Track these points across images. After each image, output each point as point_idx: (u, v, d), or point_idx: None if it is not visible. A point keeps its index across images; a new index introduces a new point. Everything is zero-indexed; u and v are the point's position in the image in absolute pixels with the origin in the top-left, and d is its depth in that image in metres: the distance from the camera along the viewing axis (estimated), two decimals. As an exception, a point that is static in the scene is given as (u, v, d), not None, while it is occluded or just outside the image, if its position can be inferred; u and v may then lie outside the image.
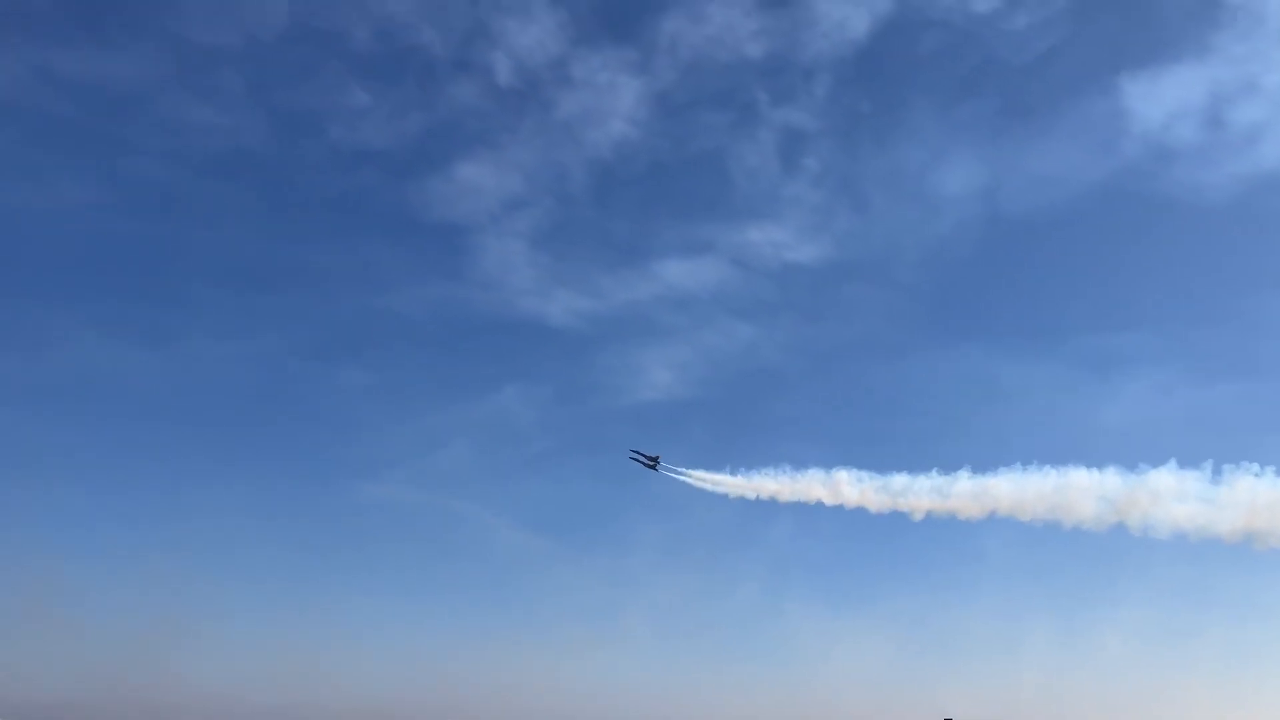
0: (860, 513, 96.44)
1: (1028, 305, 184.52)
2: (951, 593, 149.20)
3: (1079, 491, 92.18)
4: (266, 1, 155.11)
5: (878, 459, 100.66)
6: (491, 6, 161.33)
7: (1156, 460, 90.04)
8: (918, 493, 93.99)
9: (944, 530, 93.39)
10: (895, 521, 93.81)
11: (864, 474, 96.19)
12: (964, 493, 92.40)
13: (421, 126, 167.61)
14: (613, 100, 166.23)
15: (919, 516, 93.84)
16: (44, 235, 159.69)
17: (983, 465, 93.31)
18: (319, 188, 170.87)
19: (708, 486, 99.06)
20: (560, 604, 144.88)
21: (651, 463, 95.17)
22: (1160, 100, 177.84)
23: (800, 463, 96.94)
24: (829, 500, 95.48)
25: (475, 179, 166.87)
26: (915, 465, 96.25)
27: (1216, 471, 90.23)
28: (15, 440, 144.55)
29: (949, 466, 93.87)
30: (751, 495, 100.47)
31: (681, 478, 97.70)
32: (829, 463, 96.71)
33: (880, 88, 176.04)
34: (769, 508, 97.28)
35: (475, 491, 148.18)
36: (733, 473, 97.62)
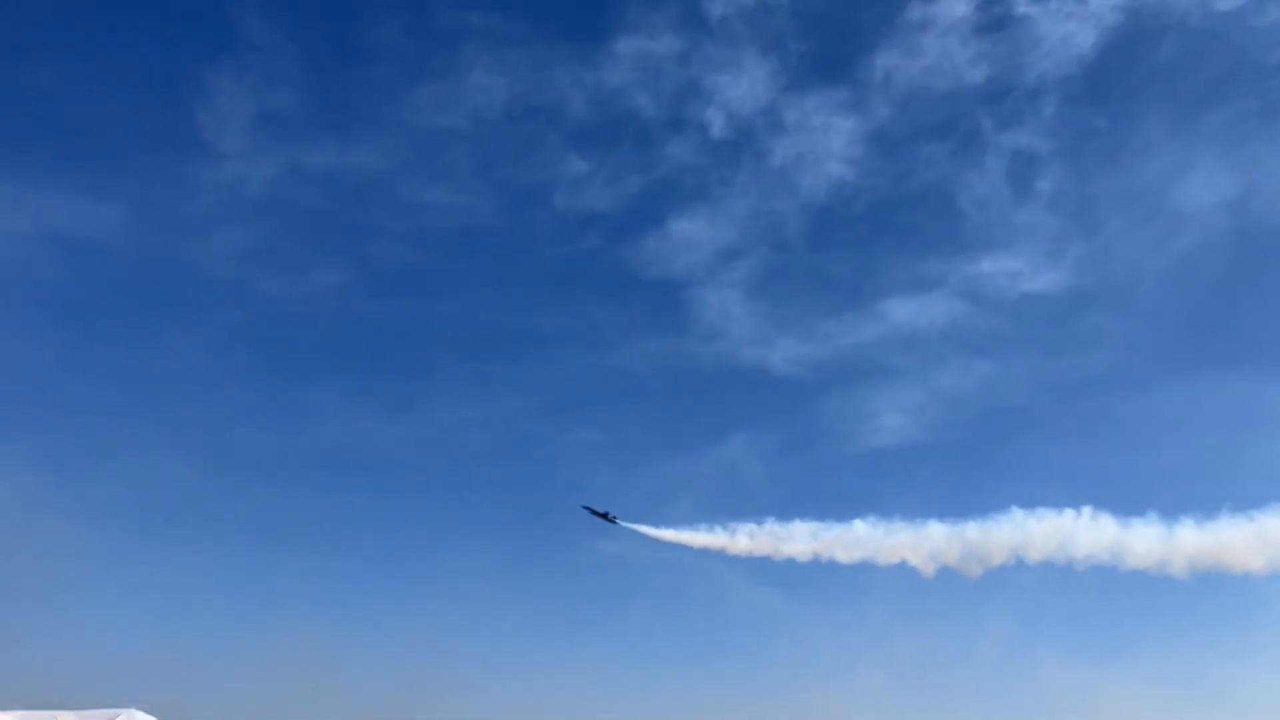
0: (1117, 558, 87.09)
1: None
2: (1228, 645, 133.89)
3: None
4: (488, 83, 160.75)
5: (1129, 500, 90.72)
6: (703, 64, 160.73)
7: None
8: (1180, 536, 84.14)
9: (1216, 574, 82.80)
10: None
11: (1109, 517, 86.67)
12: (1234, 536, 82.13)
13: (639, 188, 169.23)
14: (826, 142, 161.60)
15: (1181, 569, 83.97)
16: (300, 318, 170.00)
17: (1252, 501, 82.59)
18: (545, 255, 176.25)
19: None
20: (795, 657, 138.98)
21: (604, 516, 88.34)
22: None
23: (1042, 503, 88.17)
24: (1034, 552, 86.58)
25: (690, 233, 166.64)
26: (1172, 505, 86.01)
27: None
28: (282, 510, 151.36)
29: (1211, 504, 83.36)
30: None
31: (646, 534, 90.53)
32: (1077, 503, 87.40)
33: (1114, 102, 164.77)
34: (1018, 551, 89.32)
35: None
36: (966, 518, 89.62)
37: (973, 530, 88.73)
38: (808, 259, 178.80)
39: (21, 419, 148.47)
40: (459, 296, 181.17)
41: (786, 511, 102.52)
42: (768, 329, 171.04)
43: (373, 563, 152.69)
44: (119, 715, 54.61)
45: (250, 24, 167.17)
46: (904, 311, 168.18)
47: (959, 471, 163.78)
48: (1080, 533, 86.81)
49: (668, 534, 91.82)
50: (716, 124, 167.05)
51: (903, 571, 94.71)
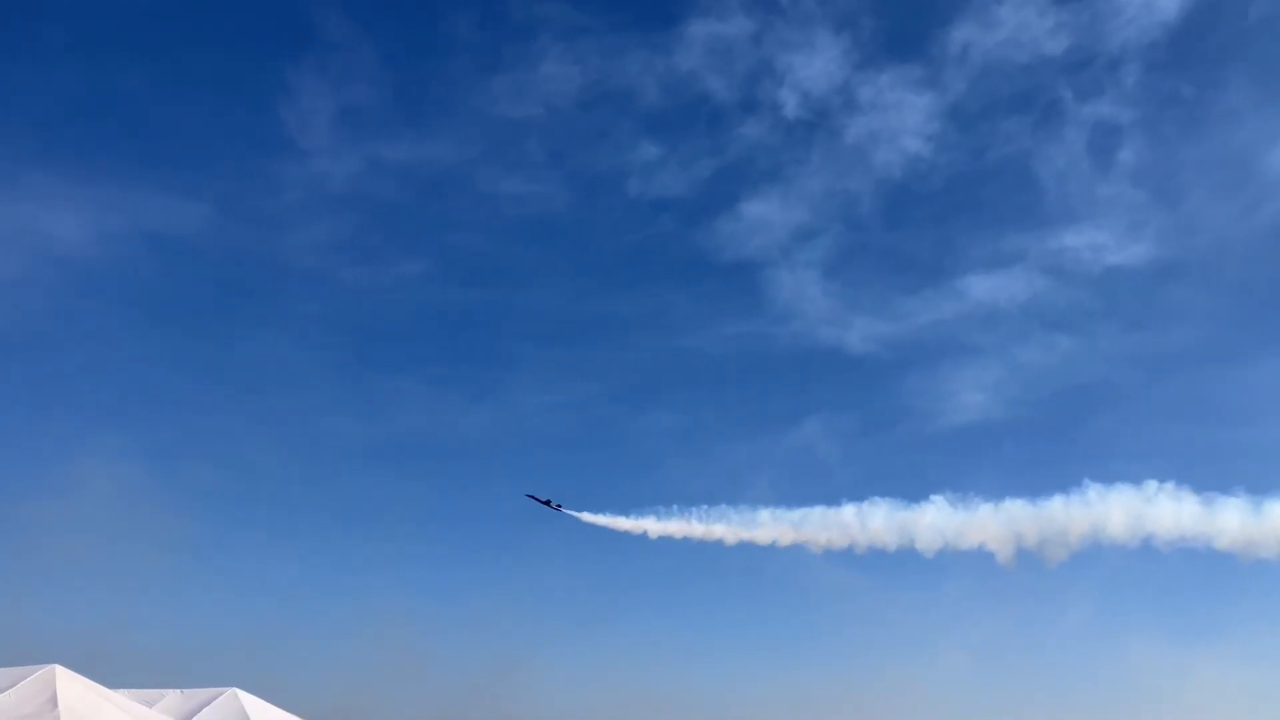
0: (1204, 537, 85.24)
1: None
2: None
3: None
4: (561, 72, 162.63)
5: (1216, 477, 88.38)
6: (775, 44, 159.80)
7: None
8: (1270, 515, 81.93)
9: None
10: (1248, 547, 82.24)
11: (1195, 494, 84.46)
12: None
13: (712, 171, 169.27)
14: (901, 119, 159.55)
15: (1271, 550, 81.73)
16: (383, 309, 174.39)
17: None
18: (619, 241, 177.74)
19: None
20: (872, 638, 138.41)
21: (547, 504, 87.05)
22: None
23: (1125, 480, 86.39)
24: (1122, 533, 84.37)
25: (763, 215, 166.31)
26: (1262, 482, 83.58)
27: None
28: (369, 495, 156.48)
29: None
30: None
31: (590, 521, 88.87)
32: (1161, 480, 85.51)
33: (1199, 69, 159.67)
34: (1098, 529, 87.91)
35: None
36: (1048, 496, 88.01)
37: (1054, 508, 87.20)
38: (884, 237, 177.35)
39: (121, 411, 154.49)
40: (535, 284, 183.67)
41: (864, 492, 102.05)
42: (844, 308, 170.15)
43: (456, 545, 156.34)
44: (222, 693, 56.40)
45: (329, 22, 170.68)
46: (983, 288, 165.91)
47: (1040, 449, 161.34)
48: (1164, 511, 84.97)
49: (612, 521, 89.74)
50: (790, 104, 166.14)
51: (982, 552, 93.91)
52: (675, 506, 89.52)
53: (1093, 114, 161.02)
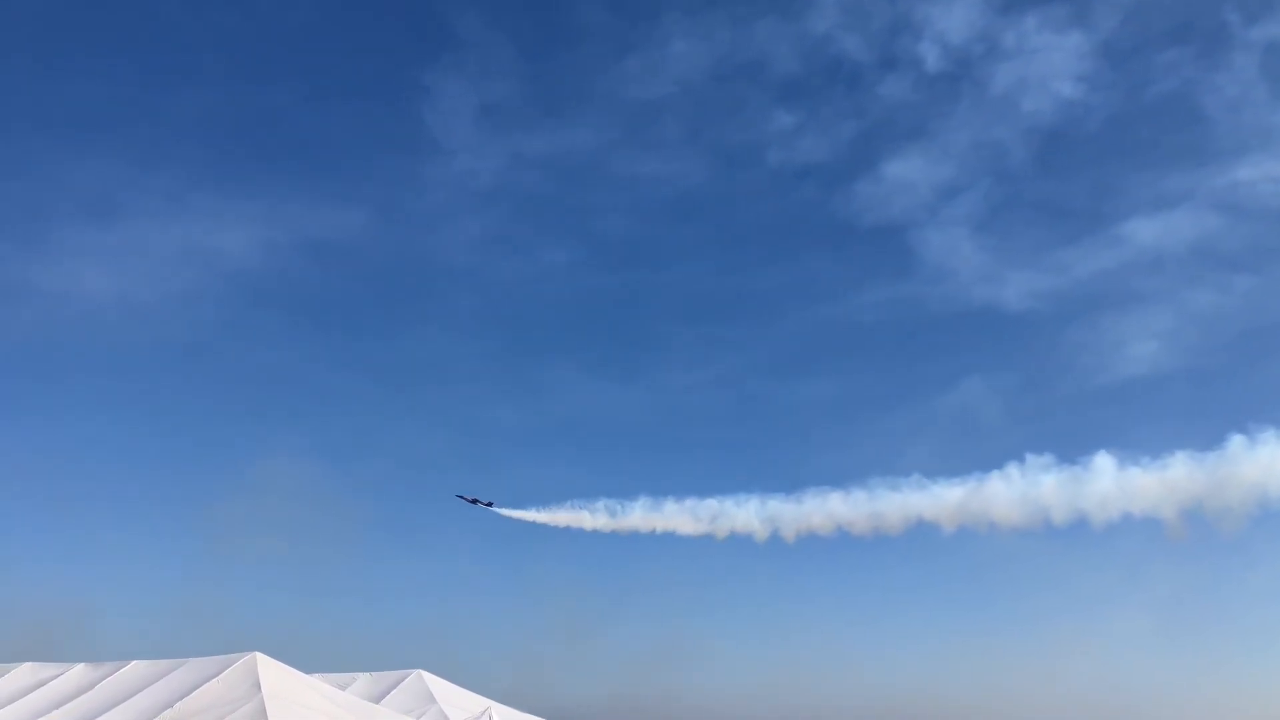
0: None
1: None
2: None
3: None
4: (691, 48, 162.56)
5: None
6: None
7: None
8: None
9: None
10: None
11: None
12: None
13: (853, 133, 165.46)
14: (1050, 62, 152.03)
15: None
16: (535, 298, 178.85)
17: None
18: (761, 213, 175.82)
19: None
20: (1046, 599, 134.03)
21: (475, 502, 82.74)
22: None
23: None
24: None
25: (907, 174, 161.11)
26: None
27: None
28: (532, 479, 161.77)
29: None
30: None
31: (525, 519, 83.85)
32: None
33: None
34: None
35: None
36: (1226, 447, 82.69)
37: (1232, 451, 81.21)
38: (1037, 187, 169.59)
39: (297, 413, 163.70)
40: (680, 262, 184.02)
41: (1028, 453, 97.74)
42: (998, 264, 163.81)
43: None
44: (408, 675, 59.07)
45: (463, 22, 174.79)
46: (1148, 232, 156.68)
47: (1219, 397, 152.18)
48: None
49: (550, 516, 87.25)
50: (930, 57, 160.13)
51: (1153, 513, 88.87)
52: (826, 486, 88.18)
53: (1263, 36, 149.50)
